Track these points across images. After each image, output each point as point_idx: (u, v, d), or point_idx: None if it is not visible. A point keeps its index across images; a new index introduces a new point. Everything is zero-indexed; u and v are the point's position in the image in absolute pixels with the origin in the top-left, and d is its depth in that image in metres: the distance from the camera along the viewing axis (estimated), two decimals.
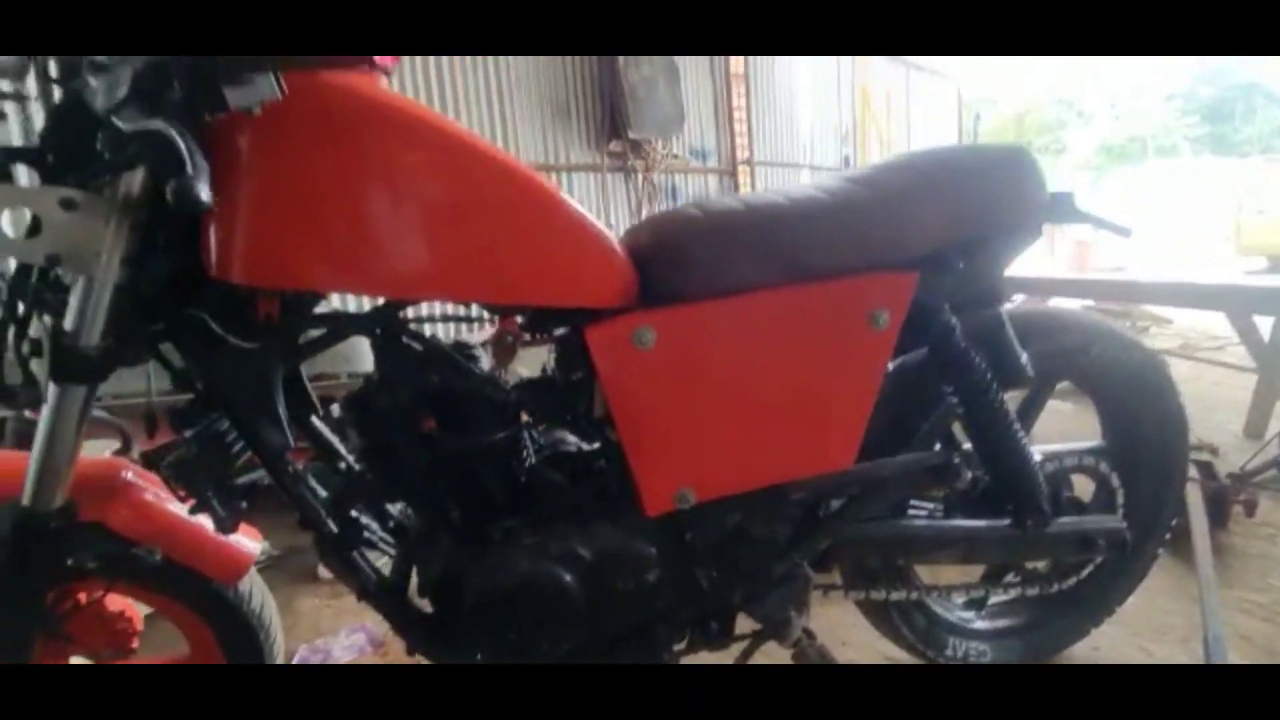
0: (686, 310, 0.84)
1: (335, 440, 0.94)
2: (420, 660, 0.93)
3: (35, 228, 0.63)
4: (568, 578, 0.86)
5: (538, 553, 0.86)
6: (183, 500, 0.79)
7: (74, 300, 0.67)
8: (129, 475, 0.87)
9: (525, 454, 0.91)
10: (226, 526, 0.78)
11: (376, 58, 0.53)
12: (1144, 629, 1.44)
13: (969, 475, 0.97)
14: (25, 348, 0.69)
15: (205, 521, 0.87)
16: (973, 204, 0.92)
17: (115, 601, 0.94)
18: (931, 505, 1.09)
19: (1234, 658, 1.32)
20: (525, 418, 0.92)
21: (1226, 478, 1.99)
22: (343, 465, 0.93)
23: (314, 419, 0.93)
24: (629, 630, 0.92)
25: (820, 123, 6.96)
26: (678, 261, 0.84)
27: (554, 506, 0.89)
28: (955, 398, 0.98)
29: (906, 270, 0.89)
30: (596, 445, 0.94)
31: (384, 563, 0.94)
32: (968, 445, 1.04)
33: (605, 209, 5.30)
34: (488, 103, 4.26)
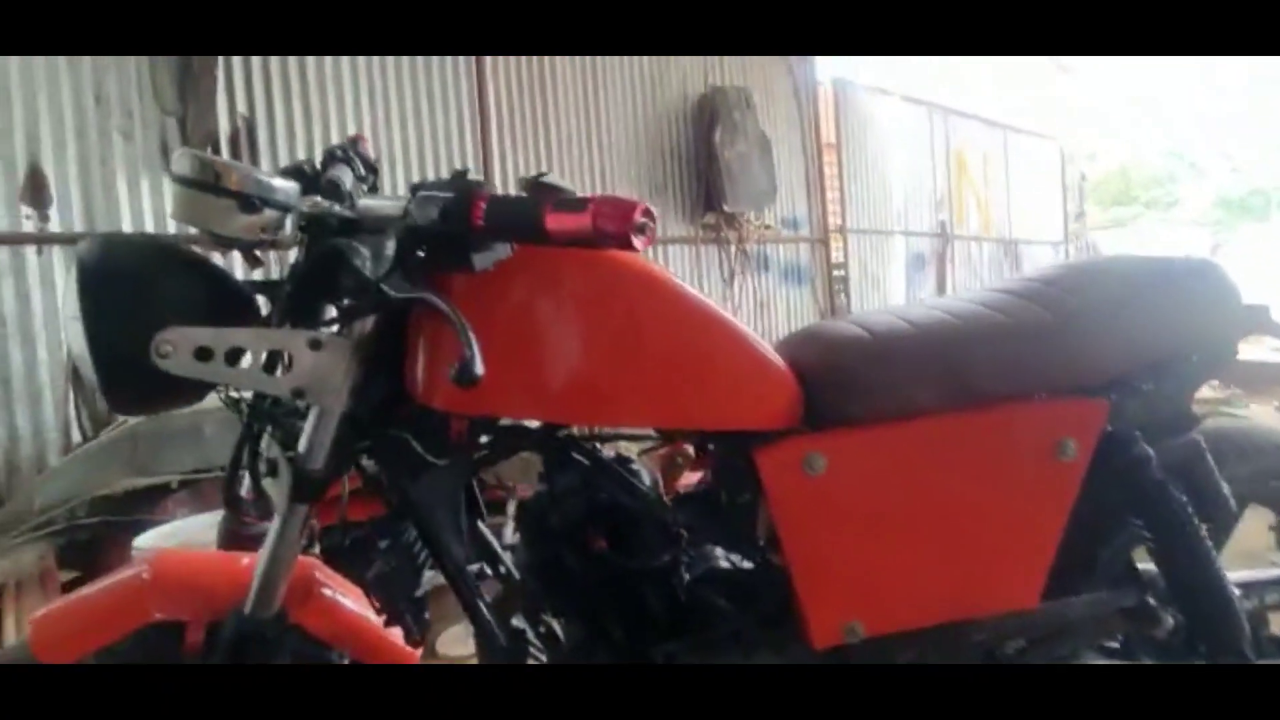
0: (858, 434, 0.83)
1: (497, 546, 0.97)
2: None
3: (285, 364, 0.71)
4: None
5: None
6: (379, 613, 0.83)
7: (309, 427, 0.73)
8: (319, 575, 0.92)
9: (684, 572, 0.91)
10: (417, 640, 0.81)
11: (636, 240, 0.57)
12: None
13: (1170, 622, 0.88)
14: (262, 467, 0.76)
15: (372, 617, 0.92)
16: (1162, 325, 0.88)
17: None
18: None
19: None
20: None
21: None
22: (502, 570, 0.96)
23: (479, 524, 0.97)
24: None
25: (914, 188, 6.88)
26: (847, 385, 0.84)
27: (715, 631, 0.87)
28: (1147, 530, 0.91)
29: (1094, 397, 0.84)
30: (753, 565, 0.92)
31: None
32: (1144, 564, 0.96)
33: (699, 279, 5.39)
34: (590, 180, 4.47)
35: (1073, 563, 0.94)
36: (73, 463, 2.27)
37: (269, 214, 0.69)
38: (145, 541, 1.91)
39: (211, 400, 2.69)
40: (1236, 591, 0.97)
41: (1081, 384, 0.85)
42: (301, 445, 0.73)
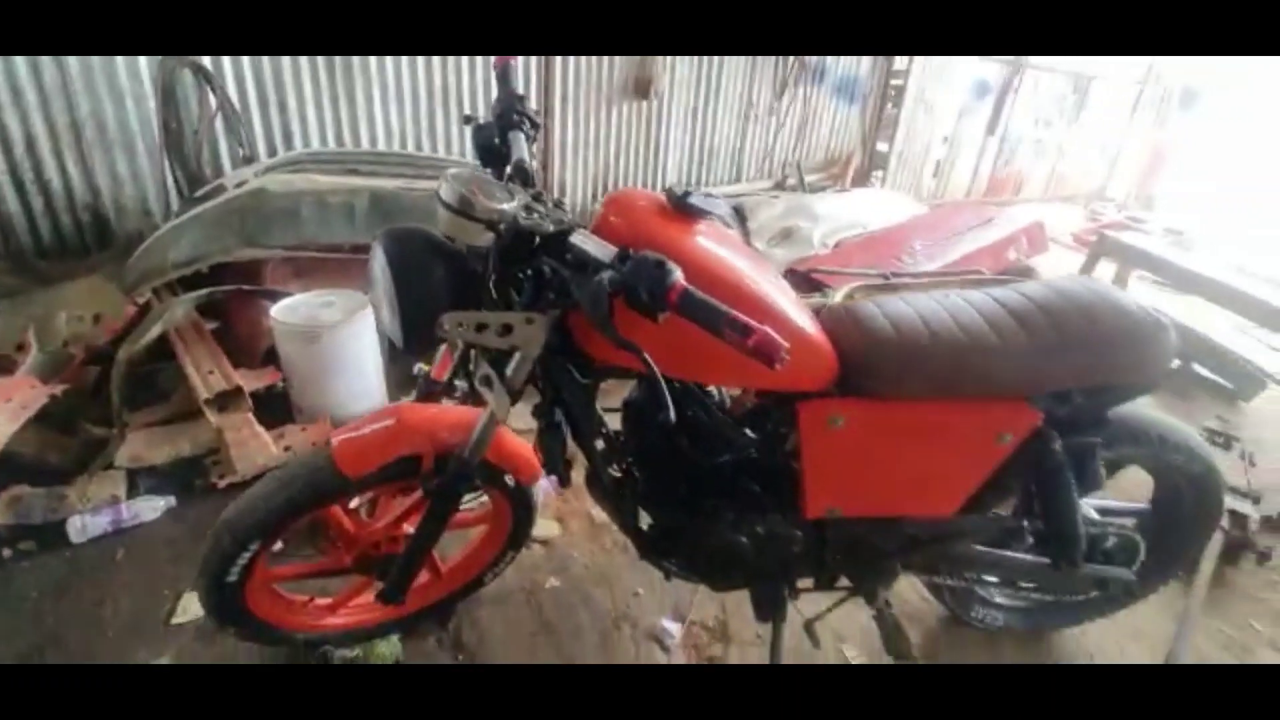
0: (870, 406, 1.22)
1: (603, 417, 1.41)
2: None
3: (508, 330, 1.07)
4: (746, 542, 1.36)
5: (733, 526, 1.34)
6: (540, 464, 1.29)
7: (514, 363, 1.13)
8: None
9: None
10: (565, 481, 1.28)
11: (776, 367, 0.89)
12: (1126, 630, 1.86)
13: (1030, 540, 1.38)
14: (478, 373, 1.17)
15: (517, 444, 1.41)
16: (1109, 362, 1.22)
17: None
18: None
19: None
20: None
21: (1261, 521, 2.30)
22: (603, 430, 1.41)
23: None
24: (774, 573, 1.43)
25: None
26: (873, 373, 1.21)
27: (747, 498, 1.36)
28: (1038, 488, 1.36)
29: (1035, 407, 1.23)
30: (777, 464, 1.37)
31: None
32: None
33: (750, 89, 5.21)
34: None
35: (994, 490, 1.41)
36: (193, 224, 2.59)
37: (502, 227, 1.00)
38: (278, 312, 2.36)
39: (306, 184, 3.06)
40: (1094, 513, 1.47)
41: (1033, 393, 1.23)
42: (508, 372, 1.13)
